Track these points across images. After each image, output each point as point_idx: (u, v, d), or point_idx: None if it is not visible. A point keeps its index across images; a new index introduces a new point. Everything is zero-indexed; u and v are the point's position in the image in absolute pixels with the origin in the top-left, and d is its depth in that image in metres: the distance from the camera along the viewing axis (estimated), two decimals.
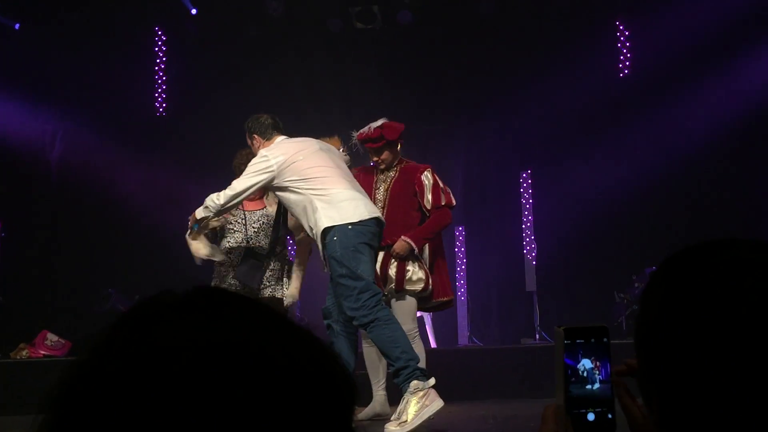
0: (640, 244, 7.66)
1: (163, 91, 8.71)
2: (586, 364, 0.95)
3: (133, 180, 8.23)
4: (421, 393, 3.96)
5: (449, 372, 4.96)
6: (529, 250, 7.76)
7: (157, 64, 8.70)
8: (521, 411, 4.88)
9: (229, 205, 4.40)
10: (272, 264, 4.99)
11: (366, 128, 4.87)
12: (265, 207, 5.11)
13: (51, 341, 7.32)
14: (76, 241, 8.19)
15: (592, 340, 0.95)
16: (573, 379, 0.95)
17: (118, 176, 8.24)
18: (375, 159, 4.89)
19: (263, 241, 4.98)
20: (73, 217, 8.26)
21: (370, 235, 4.22)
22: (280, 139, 4.65)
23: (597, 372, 0.95)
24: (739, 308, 0.79)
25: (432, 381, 4.03)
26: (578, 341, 0.96)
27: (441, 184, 4.87)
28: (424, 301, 4.91)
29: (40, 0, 8.17)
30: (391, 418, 4.09)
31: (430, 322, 7.11)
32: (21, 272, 8.00)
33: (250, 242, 4.96)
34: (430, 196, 4.82)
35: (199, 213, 4.48)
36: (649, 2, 7.88)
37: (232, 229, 4.98)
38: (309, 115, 8.26)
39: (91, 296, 7.76)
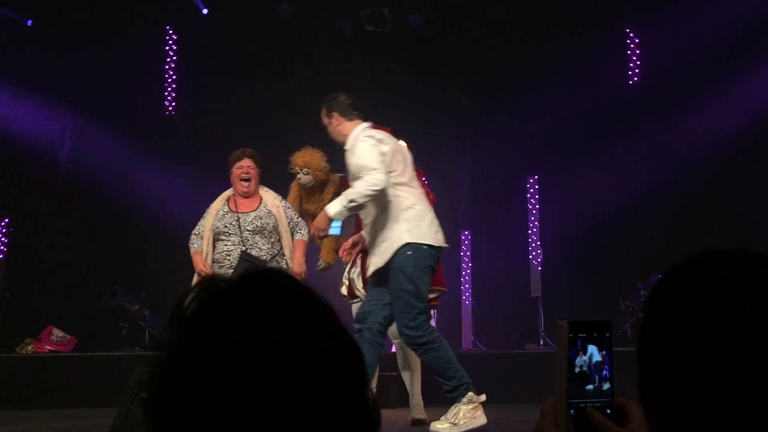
0: (646, 252, 7.65)
1: (173, 90, 8.74)
2: (588, 358, 0.96)
3: (141, 178, 8.26)
4: (473, 405, 4.11)
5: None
6: (535, 255, 7.76)
7: (168, 63, 8.73)
8: (524, 416, 4.87)
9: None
10: (275, 265, 4.95)
11: None
12: (259, 207, 5.00)
13: (57, 337, 7.36)
14: (84, 237, 8.22)
15: (595, 334, 0.96)
16: (573, 372, 0.96)
17: (126, 174, 8.27)
18: None
19: (260, 243, 4.91)
20: (81, 214, 8.29)
21: (435, 261, 4.28)
22: (365, 124, 4.48)
23: (598, 367, 0.96)
24: (742, 326, 0.80)
25: (483, 397, 4.17)
26: (581, 335, 0.97)
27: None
28: None
29: None
30: (441, 418, 4.19)
31: (434, 325, 7.11)
32: (28, 268, 8.03)
33: (246, 244, 4.89)
34: None
35: (340, 213, 4.27)
36: (660, 11, 7.87)
37: (227, 232, 4.92)
38: (317, 116, 8.28)
39: (97, 293, 7.78)
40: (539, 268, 7.73)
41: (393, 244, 4.19)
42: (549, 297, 7.66)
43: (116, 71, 8.26)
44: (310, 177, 4.98)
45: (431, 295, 4.65)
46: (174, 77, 8.74)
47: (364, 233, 4.46)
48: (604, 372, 0.96)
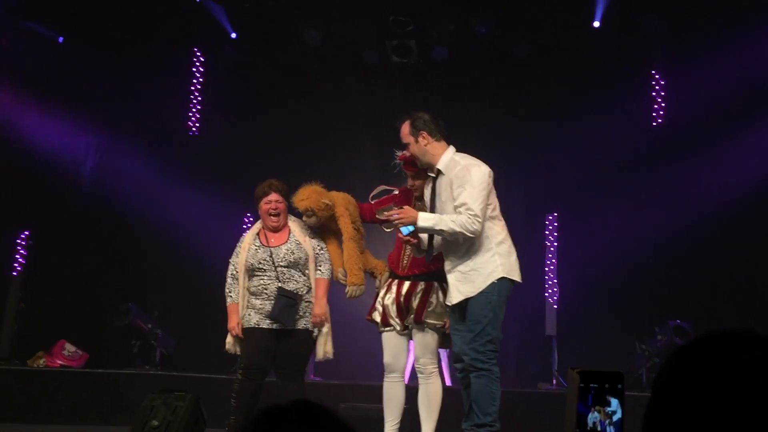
0: (664, 296, 7.57)
1: (198, 111, 8.82)
2: (597, 414, 0.94)
3: (162, 198, 8.31)
4: None
5: (463, 411, 4.89)
6: (551, 293, 7.69)
7: (194, 84, 8.83)
8: None
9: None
10: (307, 296, 4.93)
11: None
12: (288, 241, 4.96)
13: (68, 351, 7.36)
14: (101, 254, 8.26)
15: (606, 385, 0.94)
16: (590, 422, 0.94)
17: (147, 193, 8.32)
18: (410, 184, 4.81)
19: (295, 276, 4.89)
20: (101, 231, 8.35)
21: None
22: (452, 149, 4.53)
23: (608, 422, 0.94)
24: (750, 418, 0.78)
25: None
26: (592, 385, 0.94)
27: None
28: (447, 340, 4.80)
29: (84, 15, 8.34)
30: None
31: (446, 359, 7.05)
32: (45, 281, 8.07)
33: (280, 279, 4.87)
34: None
35: (424, 230, 4.33)
36: (687, 53, 7.87)
37: (262, 268, 4.92)
38: (340, 145, 8.32)
39: (111, 309, 7.80)
40: (555, 306, 7.67)
41: (487, 277, 4.29)
42: (564, 336, 7.58)
43: (143, 90, 8.37)
44: (315, 219, 4.94)
45: None
46: (199, 98, 8.83)
47: (448, 259, 4.42)
48: (615, 426, 0.94)
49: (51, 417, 6.29)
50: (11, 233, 8.13)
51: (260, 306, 4.83)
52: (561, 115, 8.03)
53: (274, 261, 4.86)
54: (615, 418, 0.93)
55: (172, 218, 8.20)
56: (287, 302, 4.80)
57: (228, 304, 4.91)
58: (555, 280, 7.76)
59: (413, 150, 4.53)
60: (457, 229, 4.22)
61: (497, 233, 4.38)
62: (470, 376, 4.29)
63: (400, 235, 4.50)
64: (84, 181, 8.64)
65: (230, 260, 4.98)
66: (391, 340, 4.75)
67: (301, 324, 4.85)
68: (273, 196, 4.99)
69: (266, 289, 4.84)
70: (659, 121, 8.06)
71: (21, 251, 8.14)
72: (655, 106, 8.08)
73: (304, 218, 4.90)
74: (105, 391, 6.60)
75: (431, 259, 4.58)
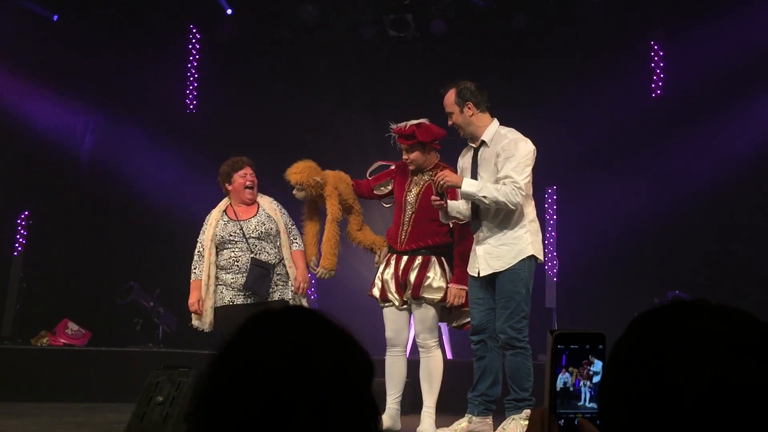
0: (664, 267, 7.59)
1: (195, 88, 8.79)
2: (569, 374, 0.95)
3: (161, 176, 8.31)
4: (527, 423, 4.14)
5: (465, 384, 4.94)
6: (551, 266, 7.72)
7: (190, 62, 8.78)
8: None
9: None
10: (280, 268, 4.98)
11: (404, 123, 4.78)
12: (258, 214, 5.00)
13: (72, 330, 7.41)
14: (102, 232, 8.28)
15: (587, 346, 0.95)
16: (561, 383, 0.95)
17: (146, 171, 8.32)
18: (405, 157, 4.80)
19: (267, 248, 4.93)
20: (100, 209, 8.35)
21: None
22: (496, 121, 4.53)
23: (586, 380, 0.95)
24: (701, 383, 0.79)
25: None
26: (572, 346, 0.95)
27: None
28: (446, 314, 4.83)
29: None
30: (496, 429, 4.33)
31: (447, 332, 7.10)
32: (46, 261, 8.09)
33: (254, 250, 4.91)
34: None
35: (467, 195, 4.31)
36: (686, 24, 7.82)
37: (233, 240, 4.94)
38: (338, 119, 8.31)
39: (113, 288, 7.83)
40: (555, 279, 7.70)
41: (518, 253, 4.34)
42: (563, 308, 7.62)
43: (139, 68, 8.33)
44: (304, 193, 4.95)
45: (468, 320, 4.66)
46: (196, 76, 8.79)
47: (480, 231, 4.43)
48: (593, 384, 0.95)
49: (55, 395, 6.34)
50: (11, 213, 8.14)
51: (232, 280, 4.87)
52: (560, 88, 8.00)
53: (244, 233, 4.90)
54: (596, 379, 0.94)
55: (171, 196, 8.20)
56: (261, 272, 4.85)
57: (191, 280, 4.94)
58: (554, 253, 7.79)
59: (457, 120, 4.48)
60: (501, 198, 4.22)
61: (530, 211, 4.43)
62: (507, 353, 4.37)
63: (434, 198, 4.45)
64: (82, 160, 8.63)
65: (198, 239, 5.02)
66: (391, 315, 4.78)
67: (276, 296, 4.91)
68: (248, 170, 5.04)
69: (237, 262, 4.87)
70: (658, 92, 8.04)
71: (21, 231, 8.15)
72: (654, 78, 8.05)
73: (294, 192, 4.93)
74: (108, 369, 6.65)
75: (459, 231, 4.59)
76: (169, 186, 8.30)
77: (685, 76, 7.79)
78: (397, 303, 4.73)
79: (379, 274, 4.85)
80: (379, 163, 5.14)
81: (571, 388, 0.95)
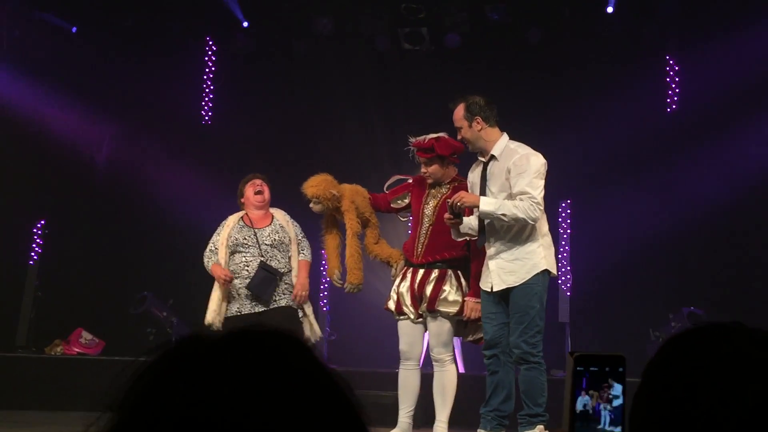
0: (678, 282, 7.54)
1: (210, 100, 8.84)
2: (590, 399, 0.95)
3: (176, 186, 8.35)
4: None
5: (477, 398, 4.92)
6: (564, 280, 7.68)
7: (206, 74, 8.84)
8: None
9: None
10: (289, 278, 5.03)
11: (423, 137, 4.77)
12: (272, 224, 5.14)
13: (85, 339, 7.44)
14: (118, 242, 8.32)
15: (607, 369, 0.94)
16: (581, 405, 0.94)
17: (162, 181, 8.37)
18: (423, 170, 4.79)
19: (278, 256, 5.02)
20: (116, 219, 8.40)
21: None
22: (506, 136, 4.52)
23: (605, 403, 0.94)
24: (738, 409, 0.78)
25: None
26: (592, 369, 0.95)
27: None
28: (462, 328, 4.80)
29: (97, 5, 8.37)
30: None
31: (459, 346, 7.06)
32: (62, 269, 8.14)
33: (264, 256, 5.00)
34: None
35: (486, 214, 4.31)
36: (702, 39, 7.80)
37: (246, 243, 5.03)
38: (353, 132, 8.32)
39: (127, 298, 7.86)
40: (568, 294, 7.66)
41: (531, 268, 4.34)
42: (577, 323, 7.58)
43: (156, 80, 8.39)
44: (320, 206, 4.97)
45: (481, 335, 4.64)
46: (212, 87, 8.85)
47: (492, 244, 4.43)
48: (613, 408, 0.94)
49: (69, 404, 6.36)
50: (27, 222, 8.20)
51: (240, 286, 4.93)
52: (574, 101, 7.99)
53: (258, 239, 4.97)
54: (615, 403, 0.93)
55: (186, 207, 8.23)
56: (267, 276, 4.91)
57: (211, 266, 5.03)
58: (568, 267, 7.75)
59: (465, 134, 4.48)
60: (520, 215, 4.22)
61: (543, 225, 4.42)
62: (521, 368, 4.36)
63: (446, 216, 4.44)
64: (98, 170, 8.69)
65: (210, 240, 5.11)
66: (406, 328, 4.77)
67: (282, 302, 4.95)
68: (257, 180, 5.18)
69: (248, 266, 4.95)
70: (674, 107, 8.00)
71: (37, 240, 8.21)
72: (670, 92, 8.02)
73: (311, 205, 4.95)
74: (123, 378, 6.65)
75: (476, 245, 4.57)
76: (184, 197, 8.34)
77: (700, 91, 7.75)
78: (412, 316, 4.72)
79: (394, 287, 4.85)
80: (397, 177, 5.15)
81: (591, 411, 0.94)
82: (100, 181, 8.65)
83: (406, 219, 5.05)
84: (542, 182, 4.33)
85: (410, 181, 5.01)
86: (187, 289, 7.83)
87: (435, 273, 4.67)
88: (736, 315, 7.30)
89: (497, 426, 4.43)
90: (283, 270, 5.00)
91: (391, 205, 5.00)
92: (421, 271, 4.69)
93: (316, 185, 4.90)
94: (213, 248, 5.13)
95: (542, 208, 4.28)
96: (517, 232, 4.36)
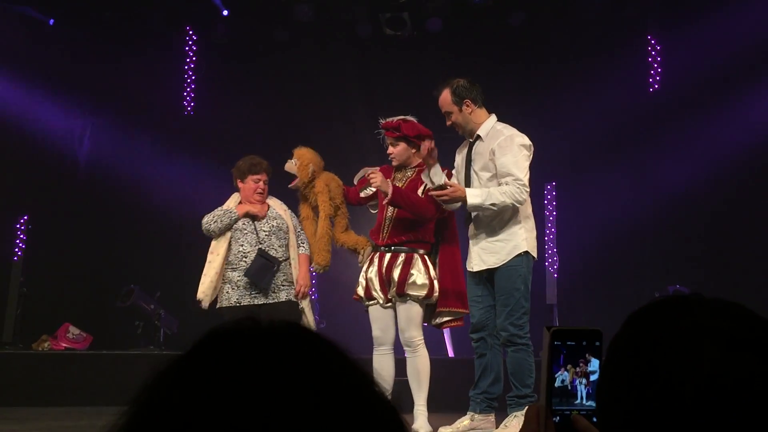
0: (664, 261, 7.59)
1: (192, 90, 8.79)
2: (567, 372, 0.95)
3: (159, 177, 8.31)
4: None
5: (465, 382, 4.94)
6: (551, 262, 7.72)
7: (187, 64, 8.78)
8: None
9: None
10: (286, 268, 5.01)
11: (392, 118, 4.78)
12: (270, 210, 5.11)
13: (73, 334, 7.41)
14: (102, 236, 8.28)
15: (584, 342, 0.95)
16: (559, 381, 0.95)
17: (144, 173, 8.32)
18: (389, 151, 4.76)
19: (275, 244, 5.00)
20: (99, 213, 8.35)
21: None
22: (494, 117, 4.50)
23: (583, 378, 0.95)
24: (697, 379, 0.79)
25: None
26: (569, 343, 0.95)
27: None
28: (431, 313, 4.79)
29: None
30: (498, 427, 4.37)
31: (448, 330, 7.09)
32: (46, 265, 8.09)
33: (263, 244, 4.98)
34: (420, 192, 4.65)
35: (475, 207, 4.27)
36: (683, 18, 7.81)
37: (244, 230, 5.00)
38: (335, 119, 8.30)
39: (113, 291, 7.83)
40: (555, 275, 7.70)
41: (512, 249, 4.33)
42: (564, 304, 7.62)
43: (136, 71, 8.32)
44: (293, 166, 4.94)
45: (447, 319, 4.64)
46: (193, 77, 8.79)
47: (473, 225, 4.44)
48: (589, 382, 0.95)
49: (57, 399, 6.34)
50: (10, 218, 8.13)
51: (238, 278, 4.90)
52: (557, 83, 8.00)
53: (255, 226, 4.95)
54: (593, 378, 0.94)
55: (171, 198, 8.20)
56: (265, 264, 4.88)
57: (232, 205, 5.02)
58: (555, 249, 7.78)
59: (456, 119, 4.45)
60: (508, 201, 4.22)
61: (526, 207, 4.40)
62: (508, 350, 4.38)
63: (431, 193, 4.43)
64: (81, 164, 8.63)
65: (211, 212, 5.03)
66: (376, 313, 4.74)
67: (283, 296, 4.94)
68: (263, 177, 5.11)
69: (245, 257, 4.92)
70: (656, 87, 8.03)
71: (21, 236, 8.15)
72: (652, 72, 8.04)
73: (287, 163, 4.95)
74: (110, 372, 6.65)
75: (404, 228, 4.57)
76: (169, 188, 8.30)
77: (682, 70, 7.78)
78: (381, 301, 4.70)
79: (362, 273, 4.84)
80: (366, 169, 5.15)
81: (569, 386, 0.95)
82: (83, 175, 8.59)
83: (375, 212, 5.04)
84: (527, 163, 4.32)
85: (377, 169, 5.00)
86: (174, 281, 7.81)
87: (402, 257, 4.64)
88: (721, 292, 7.37)
89: (486, 408, 4.45)
90: (281, 259, 4.98)
91: (360, 195, 5.00)
92: (388, 255, 4.66)
93: (304, 153, 4.93)
94: (220, 210, 5.03)
95: (528, 190, 4.27)
96: (499, 214, 4.37)
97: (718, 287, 7.24)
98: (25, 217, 8.20)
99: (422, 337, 4.69)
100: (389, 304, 4.70)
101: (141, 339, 7.65)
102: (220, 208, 5.08)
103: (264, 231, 5.00)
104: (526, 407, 3.92)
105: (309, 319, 5.12)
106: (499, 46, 8.18)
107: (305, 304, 5.07)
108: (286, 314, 4.84)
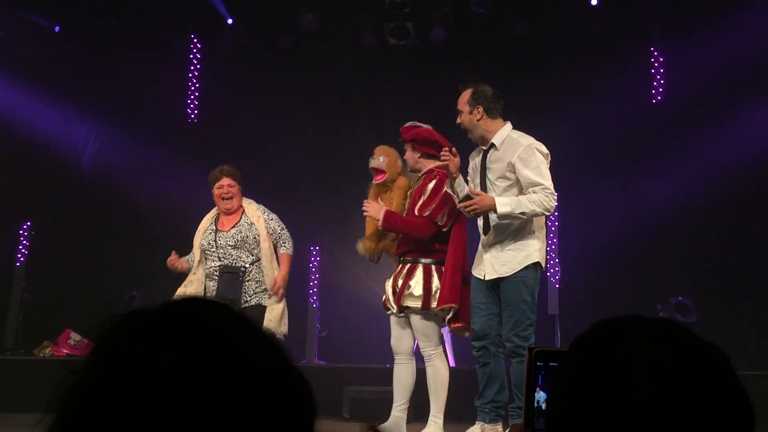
0: (666, 273, 7.58)
1: (196, 98, 8.80)
2: (544, 393, 0.96)
3: (162, 185, 8.31)
4: None
5: (468, 391, 4.93)
6: (553, 273, 7.71)
7: (191, 72, 8.80)
8: None
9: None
10: (255, 273, 5.00)
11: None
12: (240, 222, 5.08)
13: (74, 340, 7.40)
14: (105, 242, 8.28)
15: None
16: (540, 401, 0.95)
17: (148, 180, 8.32)
18: (407, 156, 4.83)
19: (243, 256, 5.01)
20: (103, 219, 8.36)
21: None
22: (509, 125, 4.53)
23: None
24: (629, 412, 0.80)
25: None
26: (551, 364, 0.95)
27: (439, 197, 4.60)
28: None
29: (80, 4, 8.31)
30: None
31: (449, 338, 7.08)
32: (49, 271, 8.09)
33: (222, 261, 5.02)
34: (419, 204, 4.67)
35: (504, 215, 4.27)
36: (686, 30, 7.83)
37: (210, 249, 5.04)
38: (339, 127, 8.32)
39: (115, 298, 7.82)
40: (557, 286, 7.69)
41: (524, 259, 4.32)
42: (566, 315, 7.61)
43: (141, 78, 8.34)
44: (381, 162, 4.90)
45: (449, 316, 4.62)
46: (197, 85, 8.81)
47: (491, 234, 4.41)
48: None
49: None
50: (13, 224, 8.14)
51: (213, 289, 4.96)
52: (560, 94, 8.01)
53: (217, 244, 4.96)
54: None
55: (173, 206, 8.20)
56: (230, 278, 4.93)
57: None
58: (557, 260, 7.78)
59: (464, 119, 4.50)
60: (538, 209, 4.23)
61: (540, 218, 4.40)
62: (512, 360, 4.35)
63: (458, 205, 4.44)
64: (84, 170, 8.64)
65: None
66: (392, 323, 4.77)
67: (254, 301, 4.95)
68: (225, 181, 5.12)
69: (215, 272, 4.97)
70: (659, 98, 8.04)
71: (23, 242, 8.16)
72: (654, 83, 8.05)
73: (371, 160, 4.94)
74: None
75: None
76: (171, 195, 8.30)
77: (685, 81, 7.79)
78: (394, 310, 4.72)
79: (385, 284, 4.88)
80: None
81: (544, 407, 0.95)
82: (86, 181, 8.60)
83: None
84: (550, 180, 4.35)
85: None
86: (176, 288, 7.80)
87: (407, 267, 4.65)
88: (722, 303, 7.33)
89: (495, 417, 4.43)
90: (247, 265, 5.00)
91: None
92: (400, 266, 4.70)
93: (387, 149, 4.94)
94: (193, 252, 5.20)
95: (556, 197, 4.29)
96: (511, 224, 4.36)
97: (720, 298, 7.23)
98: (28, 223, 8.21)
99: (437, 348, 4.65)
100: (402, 314, 4.71)
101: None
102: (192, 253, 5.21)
103: (229, 245, 5.01)
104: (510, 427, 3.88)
105: (282, 327, 5.03)
106: (502, 57, 8.19)
107: (277, 308, 5.00)
108: (256, 318, 4.87)
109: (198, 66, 8.81)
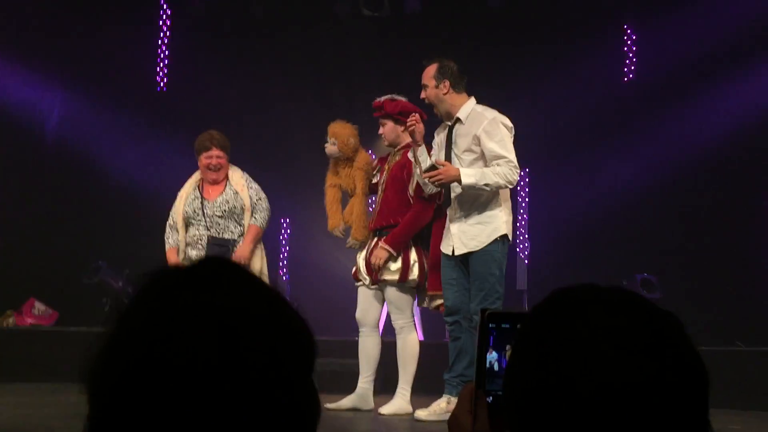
0: (633, 249, 7.66)
1: (165, 66, 8.65)
2: (495, 353, 0.98)
3: (130, 154, 8.19)
4: None
5: (436, 365, 4.95)
6: (522, 248, 7.76)
7: (161, 38, 8.64)
8: None
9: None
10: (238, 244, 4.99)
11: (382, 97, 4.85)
12: (224, 192, 5.02)
13: (38, 310, 7.31)
14: (70, 211, 8.15)
15: (518, 326, 0.96)
16: (492, 362, 0.97)
17: (115, 149, 8.20)
18: (379, 131, 4.88)
19: (230, 227, 4.96)
20: (68, 188, 8.22)
21: None
22: (473, 100, 4.55)
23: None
24: (590, 382, 0.80)
25: None
26: (503, 326, 0.97)
27: None
28: (422, 297, 4.82)
29: None
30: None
31: (418, 313, 7.10)
32: (12, 240, 7.95)
33: (211, 231, 4.96)
34: (412, 186, 4.71)
35: (469, 186, 4.27)
36: (660, 8, 7.85)
37: (197, 217, 4.97)
38: (310, 98, 8.23)
39: (80, 267, 7.72)
40: (526, 261, 7.74)
41: (492, 232, 4.34)
42: (534, 290, 7.67)
43: (108, 45, 8.17)
44: (335, 148, 4.94)
45: (441, 302, 4.65)
46: (167, 53, 8.65)
47: (454, 207, 4.43)
48: None
49: (23, 376, 6.25)
50: None
51: (196, 258, 4.90)
52: (533, 69, 8.00)
53: (204, 212, 4.89)
54: None
55: (141, 175, 8.09)
56: (219, 250, 4.88)
57: (167, 249, 4.97)
58: (526, 235, 7.82)
59: (429, 93, 4.50)
60: (502, 181, 4.25)
61: (505, 190, 4.43)
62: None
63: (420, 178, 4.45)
64: (48, 138, 8.47)
65: (170, 211, 5.06)
66: (361, 295, 4.79)
67: None
68: (214, 152, 5.05)
69: (200, 240, 4.93)
70: (630, 76, 8.07)
71: None
72: (627, 62, 8.08)
73: (326, 145, 4.93)
74: (77, 349, 6.55)
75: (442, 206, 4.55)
76: (138, 164, 8.18)
77: (657, 60, 7.83)
78: (366, 283, 4.73)
79: (357, 255, 4.89)
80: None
81: (496, 368, 0.96)
82: (51, 149, 8.44)
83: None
84: (513, 152, 4.38)
85: (376, 160, 5.06)
86: (142, 258, 7.72)
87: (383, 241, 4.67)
88: (687, 281, 7.43)
89: None
90: (235, 238, 4.96)
91: (372, 182, 5.05)
92: (375, 239, 4.70)
93: (342, 127, 4.90)
94: (172, 222, 5.08)
95: (519, 170, 4.30)
96: (481, 196, 4.38)
97: (687, 276, 7.34)
98: None
99: (408, 321, 4.71)
100: (374, 286, 4.72)
101: (108, 316, 7.56)
102: (171, 219, 5.08)
103: (216, 215, 4.95)
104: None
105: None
106: (477, 30, 8.16)
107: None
108: None
109: (167, 33, 8.65)
